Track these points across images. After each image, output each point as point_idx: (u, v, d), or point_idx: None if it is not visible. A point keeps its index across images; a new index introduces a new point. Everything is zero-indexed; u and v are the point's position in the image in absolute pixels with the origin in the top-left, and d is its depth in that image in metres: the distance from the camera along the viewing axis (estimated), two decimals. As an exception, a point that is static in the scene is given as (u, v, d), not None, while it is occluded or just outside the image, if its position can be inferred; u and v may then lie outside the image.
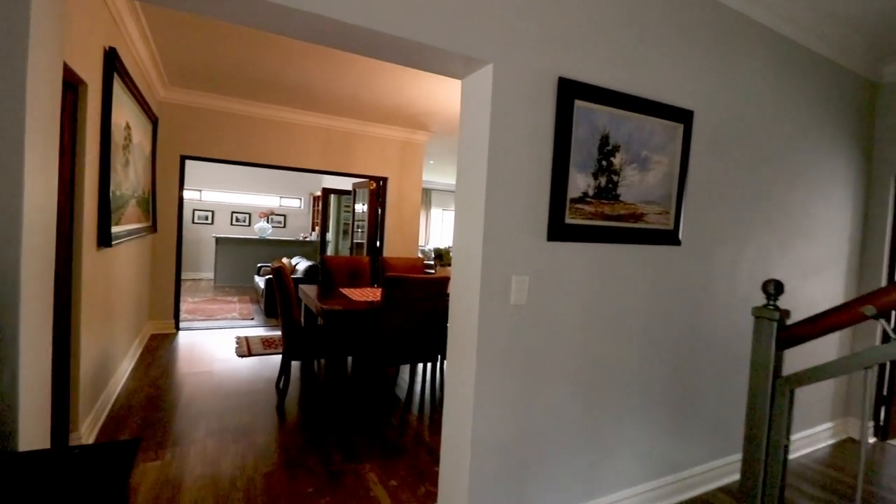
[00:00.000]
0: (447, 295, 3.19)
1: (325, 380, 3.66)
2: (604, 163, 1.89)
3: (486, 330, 1.70)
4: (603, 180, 1.90)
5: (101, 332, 2.81)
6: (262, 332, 5.22)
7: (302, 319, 4.21)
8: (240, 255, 8.89)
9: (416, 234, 6.15)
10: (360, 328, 3.22)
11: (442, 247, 12.14)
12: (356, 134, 5.62)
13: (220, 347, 4.47)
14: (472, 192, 1.73)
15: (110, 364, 3.06)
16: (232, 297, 7.65)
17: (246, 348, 4.45)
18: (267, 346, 4.57)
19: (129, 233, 3.42)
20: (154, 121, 4.35)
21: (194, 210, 9.55)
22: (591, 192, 1.87)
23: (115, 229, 2.99)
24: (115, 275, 3.13)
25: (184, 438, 2.62)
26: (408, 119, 5.31)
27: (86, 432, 2.47)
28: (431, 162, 8.41)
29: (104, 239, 2.61)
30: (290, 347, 3.13)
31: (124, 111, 3.14)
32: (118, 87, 2.86)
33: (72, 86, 2.21)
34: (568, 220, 1.82)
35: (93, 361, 2.63)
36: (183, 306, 6.61)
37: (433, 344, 3.25)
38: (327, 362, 3.91)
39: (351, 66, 3.67)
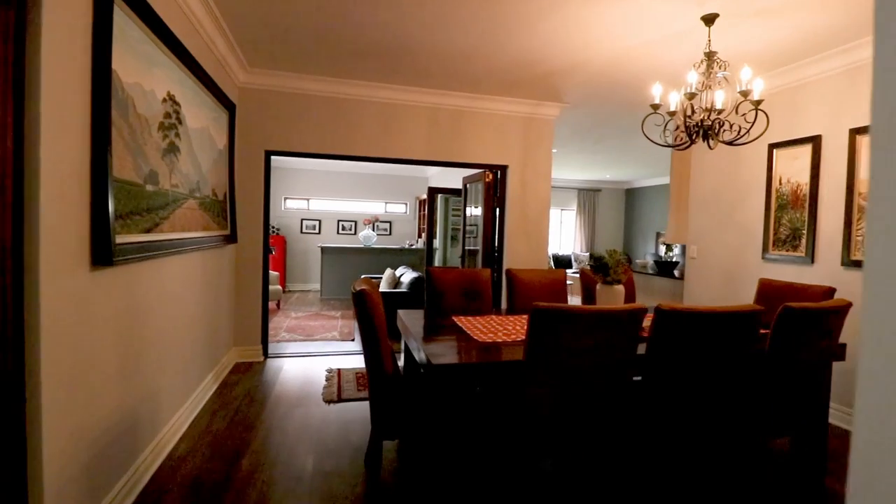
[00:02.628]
0: (635, 341, 1.80)
1: (435, 458, 2.46)
2: None
3: None
4: None
5: (114, 390, 1.91)
6: (358, 361, 4.26)
7: (401, 359, 3.10)
8: (345, 265, 8.30)
9: (545, 239, 4.79)
10: (489, 394, 1.96)
11: (573, 251, 10.49)
12: (468, 112, 4.44)
13: (308, 384, 3.55)
14: None
15: (141, 428, 2.19)
16: (335, 311, 6.98)
17: (336, 388, 3.47)
18: (361, 385, 3.55)
19: (182, 243, 2.58)
20: (230, 108, 3.60)
21: (302, 219, 9.25)
22: None
23: (145, 238, 2.12)
24: (152, 301, 2.27)
25: (209, 582, 1.58)
26: (535, 83, 3.99)
27: (69, 560, 1.54)
28: (555, 150, 6.97)
29: (102, 254, 1.70)
30: (380, 419, 1.98)
31: (160, 75, 2.28)
32: (135, 30, 1.97)
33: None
34: None
35: (87, 444, 1.72)
36: (285, 323, 6.03)
37: (616, 427, 1.86)
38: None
39: (464, -10, 2.47)
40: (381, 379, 1.94)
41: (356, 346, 4.90)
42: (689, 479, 2.20)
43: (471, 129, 4.46)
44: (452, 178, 7.44)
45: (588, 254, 10.93)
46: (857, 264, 3.00)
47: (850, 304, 2.10)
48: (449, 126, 4.41)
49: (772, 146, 3.59)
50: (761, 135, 2.65)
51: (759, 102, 2.48)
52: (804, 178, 3.37)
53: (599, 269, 2.55)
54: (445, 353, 1.99)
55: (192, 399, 2.88)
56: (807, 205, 3.34)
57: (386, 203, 9.60)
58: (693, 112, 2.54)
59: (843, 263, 3.09)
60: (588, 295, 3.35)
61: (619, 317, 1.69)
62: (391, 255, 8.56)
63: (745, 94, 2.42)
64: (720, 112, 2.52)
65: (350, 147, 4.22)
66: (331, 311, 6.96)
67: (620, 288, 2.53)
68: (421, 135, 4.35)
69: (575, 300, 4.30)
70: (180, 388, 2.70)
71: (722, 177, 4.11)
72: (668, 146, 2.77)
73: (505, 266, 4.62)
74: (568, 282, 3.87)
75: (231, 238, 3.64)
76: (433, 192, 6.74)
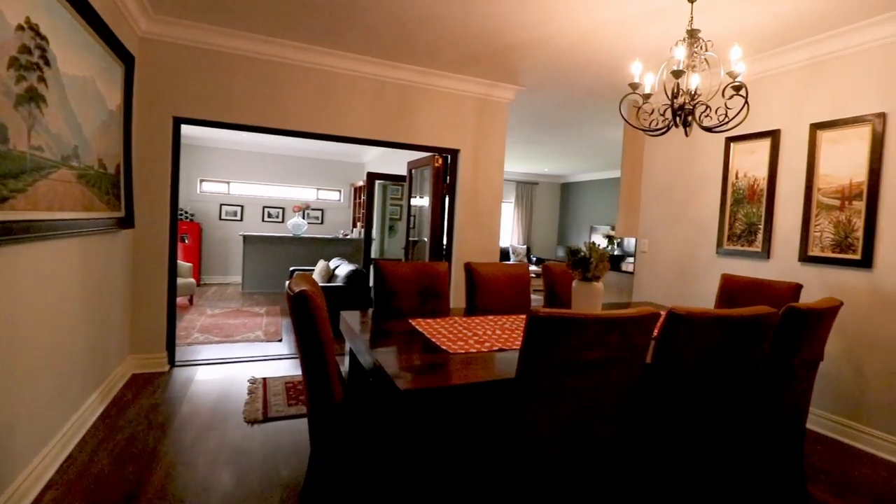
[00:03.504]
0: (646, 353, 1.50)
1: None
2: None
3: None
4: None
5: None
6: (288, 367, 3.70)
7: (343, 362, 2.63)
8: (271, 256, 7.53)
9: (497, 230, 4.49)
10: (469, 424, 1.58)
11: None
12: (418, 88, 4.00)
13: (225, 399, 2.96)
14: None
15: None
16: (259, 307, 6.25)
17: (261, 404, 2.91)
18: (293, 398, 3.03)
19: (49, 226, 1.93)
20: (127, 59, 2.88)
21: (221, 205, 8.29)
22: None
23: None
24: (-5, 306, 1.63)
25: None
26: (492, 59, 3.64)
27: None
28: (500, 139, 6.72)
29: None
30: (325, 463, 1.53)
31: (9, -10, 1.63)
32: None
33: None
34: None
35: None
36: (198, 321, 5.25)
37: (625, 451, 1.56)
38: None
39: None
40: (327, 410, 1.49)
41: (284, 347, 4.32)
42: (679, 489, 1.97)
43: (420, 107, 4.03)
44: (392, 164, 6.96)
45: (526, 246, 10.94)
46: (815, 260, 2.99)
47: (841, 304, 1.97)
48: (396, 103, 3.94)
49: (729, 139, 3.53)
50: (742, 121, 2.49)
51: (739, 87, 2.30)
52: (762, 173, 3.33)
53: (578, 264, 2.26)
54: (412, 371, 1.57)
55: (67, 429, 2.22)
56: (764, 199, 3.31)
57: (318, 189, 8.88)
58: (679, 92, 2.31)
59: (800, 259, 3.08)
60: (551, 292, 3.08)
61: (633, 324, 1.38)
62: (323, 245, 7.90)
63: (732, 75, 2.22)
64: (699, 95, 2.32)
65: (281, 120, 3.61)
66: (253, 307, 6.23)
67: (600, 286, 2.26)
68: (365, 111, 3.85)
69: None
70: (48, 417, 2.04)
71: (675, 170, 4.04)
72: (646, 131, 2.54)
73: (455, 259, 4.27)
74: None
75: (126, 222, 2.94)
76: (372, 177, 6.22)
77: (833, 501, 2.11)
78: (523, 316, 2.48)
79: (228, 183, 8.32)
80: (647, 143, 4.34)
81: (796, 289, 2.66)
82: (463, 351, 1.77)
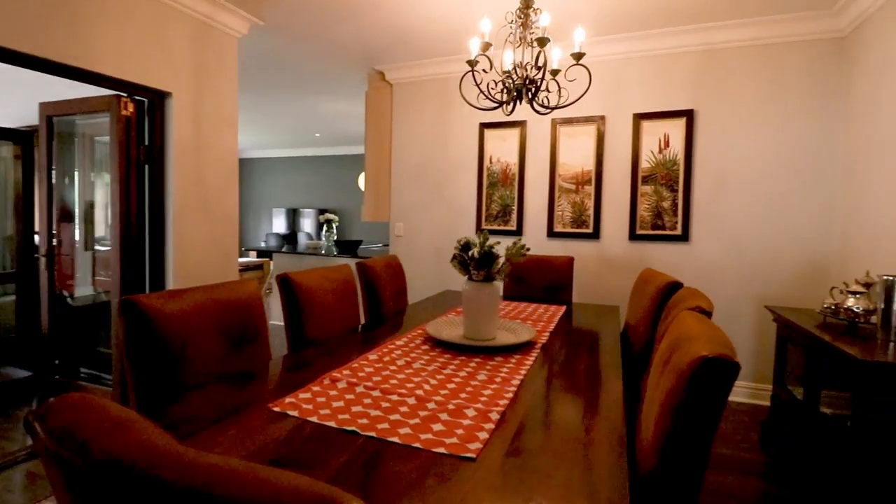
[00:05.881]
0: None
1: None
2: None
3: None
4: None
5: None
6: None
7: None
8: None
9: (235, 219, 3.23)
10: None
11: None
12: (87, -28, 2.27)
13: None
14: None
15: None
16: None
17: None
18: None
19: None
20: None
21: None
22: None
23: None
24: None
25: None
26: (240, -33, 2.45)
27: None
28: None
29: None
30: None
31: None
32: None
33: None
34: None
35: None
36: None
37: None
38: None
39: None
40: None
41: None
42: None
43: (96, 8, 2.31)
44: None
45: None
46: (559, 235, 3.53)
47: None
48: (40, -15, 2.11)
49: (483, 125, 3.71)
50: (566, 103, 2.54)
51: (557, 72, 2.34)
52: (513, 159, 3.66)
53: (483, 262, 1.76)
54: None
55: None
56: (516, 183, 3.66)
57: None
58: (538, 63, 2.13)
59: (548, 235, 3.57)
60: (371, 296, 2.41)
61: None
62: None
63: (577, 56, 2.21)
64: (540, 71, 2.25)
65: None
66: None
67: (500, 285, 1.86)
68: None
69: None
70: None
71: (429, 152, 3.96)
72: (492, 101, 2.25)
73: (173, 266, 2.79)
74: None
75: None
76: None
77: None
78: (401, 340, 1.79)
79: None
80: (395, 123, 4.07)
81: (571, 261, 3.06)
82: (480, 443, 1.02)
